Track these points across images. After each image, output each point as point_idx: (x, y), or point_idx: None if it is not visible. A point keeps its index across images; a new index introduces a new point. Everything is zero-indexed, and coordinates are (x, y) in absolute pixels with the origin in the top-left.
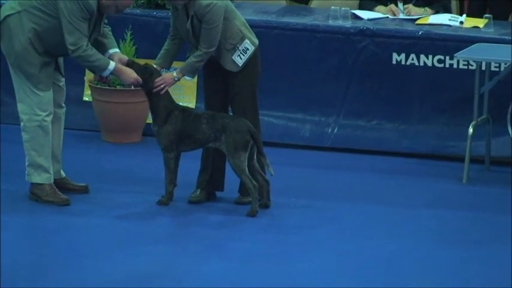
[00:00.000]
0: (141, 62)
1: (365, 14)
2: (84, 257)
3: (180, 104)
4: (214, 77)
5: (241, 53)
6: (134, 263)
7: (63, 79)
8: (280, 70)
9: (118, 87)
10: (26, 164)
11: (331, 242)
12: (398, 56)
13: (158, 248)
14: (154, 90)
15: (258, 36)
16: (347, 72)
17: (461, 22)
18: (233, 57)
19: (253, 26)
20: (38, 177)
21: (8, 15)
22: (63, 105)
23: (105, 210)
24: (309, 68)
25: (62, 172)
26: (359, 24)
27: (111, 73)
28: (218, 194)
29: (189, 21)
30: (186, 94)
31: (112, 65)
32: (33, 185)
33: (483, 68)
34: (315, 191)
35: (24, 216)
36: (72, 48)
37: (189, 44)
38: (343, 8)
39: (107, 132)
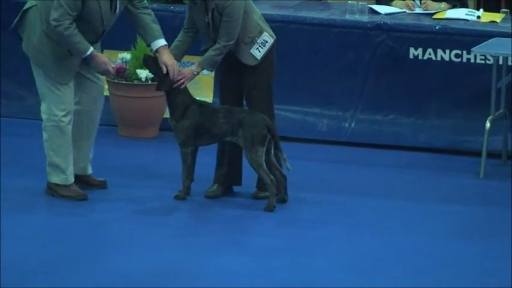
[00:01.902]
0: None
1: (382, 9)
2: (101, 251)
3: (198, 98)
4: (230, 72)
5: (259, 46)
6: (151, 258)
7: (98, 88)
8: (297, 65)
9: (135, 82)
10: (46, 163)
11: (348, 236)
12: (416, 50)
13: (175, 242)
14: (174, 86)
15: (274, 31)
16: (364, 67)
17: (478, 17)
18: (251, 51)
19: (270, 20)
20: (56, 178)
21: (25, 10)
22: (99, 101)
23: (122, 205)
24: (326, 63)
25: (89, 168)
26: (376, 18)
27: (86, 57)
28: (235, 188)
29: (209, 14)
30: (203, 89)
31: (90, 50)
32: (50, 183)
33: (500, 62)
34: (331, 185)
35: (42, 212)
36: (54, 24)
37: (205, 38)
38: (360, 3)
39: (123, 127)
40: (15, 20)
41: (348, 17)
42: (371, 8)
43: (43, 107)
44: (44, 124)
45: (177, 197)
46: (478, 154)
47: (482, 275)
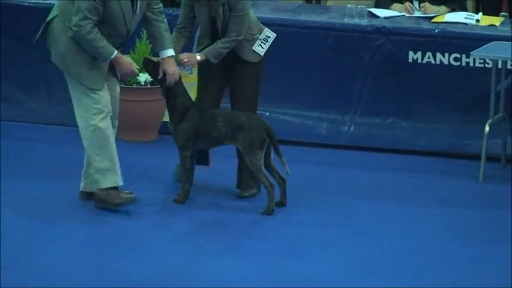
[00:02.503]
0: (154, 59)
1: (381, 12)
2: (101, 255)
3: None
4: (218, 71)
5: (262, 42)
6: (150, 261)
7: (118, 87)
8: (295, 68)
9: (134, 86)
10: (93, 171)
11: (347, 239)
12: (415, 54)
13: (175, 246)
14: (182, 60)
15: None
16: (363, 70)
17: (478, 20)
18: (254, 47)
19: (269, 24)
20: (108, 181)
21: (48, 22)
22: (117, 116)
23: (121, 208)
24: (324, 66)
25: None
26: (375, 22)
27: (110, 61)
28: (234, 192)
29: (220, 10)
30: None
31: (115, 53)
32: (98, 193)
33: (499, 66)
34: (330, 189)
35: (42, 218)
36: (75, 29)
37: (201, 38)
38: (359, 6)
39: (123, 131)
40: (39, 33)
41: (346, 20)
42: (370, 12)
43: (79, 114)
44: (82, 132)
45: (176, 201)
46: (477, 158)
47: (482, 278)
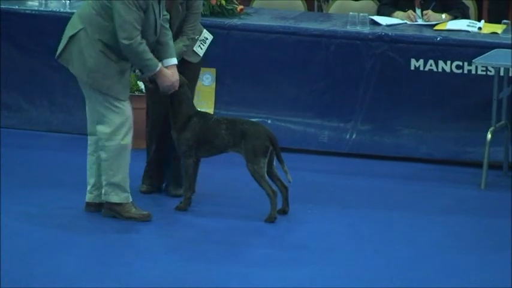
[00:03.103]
0: None
1: (383, 20)
2: (102, 263)
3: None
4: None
5: (201, 43)
6: (152, 269)
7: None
8: (298, 76)
9: (136, 93)
10: (104, 183)
11: (349, 247)
12: (417, 61)
13: (177, 254)
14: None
15: (276, 42)
16: (365, 78)
17: (480, 28)
18: (194, 48)
19: (271, 31)
20: (116, 197)
21: (72, 36)
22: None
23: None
24: (326, 74)
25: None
26: (377, 30)
27: (154, 74)
28: (236, 200)
29: (180, 8)
30: (204, 100)
31: (159, 65)
32: (111, 203)
33: (501, 73)
34: (332, 196)
35: (43, 224)
36: (126, 42)
37: None
38: (361, 14)
39: None
40: (61, 48)
41: (349, 28)
42: (372, 19)
43: (103, 128)
44: (103, 144)
45: (178, 208)
46: (479, 165)
47: (484, 286)
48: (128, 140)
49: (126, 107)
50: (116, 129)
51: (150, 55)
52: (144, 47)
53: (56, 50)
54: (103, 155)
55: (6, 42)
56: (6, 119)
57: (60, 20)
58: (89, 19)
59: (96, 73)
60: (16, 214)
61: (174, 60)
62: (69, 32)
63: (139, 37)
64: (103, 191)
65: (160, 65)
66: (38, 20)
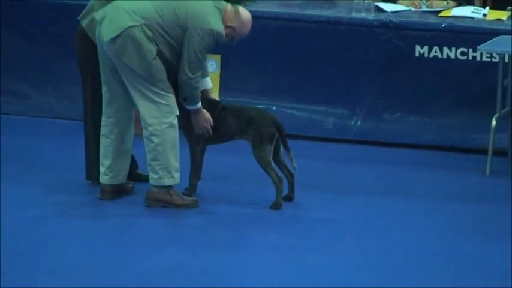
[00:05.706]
0: None
1: (388, 7)
2: (108, 251)
3: None
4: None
5: None
6: (159, 257)
7: None
8: (303, 63)
9: None
10: (158, 167)
11: (354, 235)
12: (422, 48)
13: (183, 241)
14: None
15: (281, 28)
16: (370, 64)
17: (485, 14)
18: None
19: (276, 18)
20: (171, 179)
21: (130, 27)
22: None
23: (129, 204)
24: (331, 61)
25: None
26: (382, 16)
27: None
28: (241, 186)
29: None
30: None
31: (200, 104)
32: (158, 191)
33: (506, 60)
34: (337, 183)
35: (53, 214)
36: (190, 76)
37: None
38: (366, 1)
39: (138, 126)
40: (106, 27)
41: (354, 15)
42: (377, 6)
43: (149, 113)
44: (153, 129)
45: (183, 195)
46: (484, 152)
47: (489, 273)
48: (177, 123)
49: (173, 99)
50: (165, 113)
51: (199, 91)
52: (199, 81)
53: (60, 37)
54: (155, 139)
55: (11, 30)
56: (11, 106)
57: (65, 7)
58: (153, 21)
59: (154, 68)
60: (19, 201)
61: (208, 82)
62: (126, 22)
63: (200, 72)
64: (159, 175)
65: (200, 104)
66: (43, 7)
